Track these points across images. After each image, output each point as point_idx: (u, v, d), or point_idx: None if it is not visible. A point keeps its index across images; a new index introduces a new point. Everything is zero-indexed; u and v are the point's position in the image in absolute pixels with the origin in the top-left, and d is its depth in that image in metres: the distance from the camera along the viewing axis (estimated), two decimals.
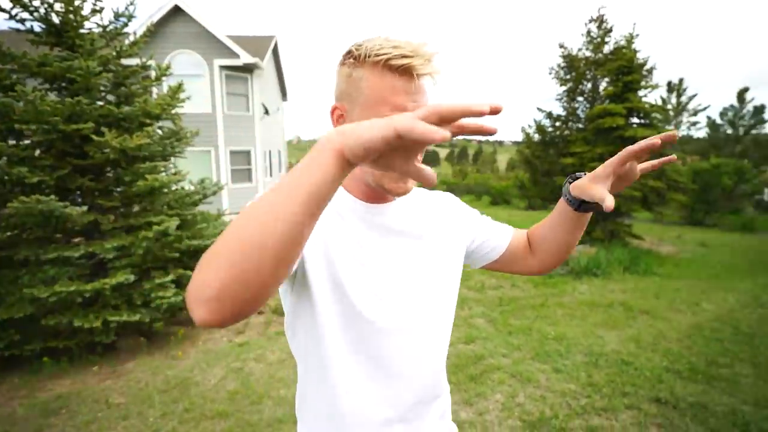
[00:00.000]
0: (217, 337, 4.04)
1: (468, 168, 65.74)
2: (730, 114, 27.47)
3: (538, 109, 11.18)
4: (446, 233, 0.85)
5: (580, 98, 10.78)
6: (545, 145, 11.10)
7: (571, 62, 10.75)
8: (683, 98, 28.00)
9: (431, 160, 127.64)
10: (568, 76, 10.84)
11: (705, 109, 29.20)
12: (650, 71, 9.75)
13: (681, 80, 28.28)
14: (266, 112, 13.64)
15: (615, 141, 9.11)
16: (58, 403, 2.92)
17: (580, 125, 10.51)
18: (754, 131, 26.84)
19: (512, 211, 19.17)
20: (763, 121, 26.61)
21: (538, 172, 10.91)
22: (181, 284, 3.95)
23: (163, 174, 4.10)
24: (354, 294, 0.72)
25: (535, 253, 0.91)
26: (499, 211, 18.64)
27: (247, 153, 13.04)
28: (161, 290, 3.70)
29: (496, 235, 0.91)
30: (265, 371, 3.29)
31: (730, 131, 27.30)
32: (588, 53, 10.61)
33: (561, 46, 10.96)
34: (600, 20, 10.41)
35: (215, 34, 11.81)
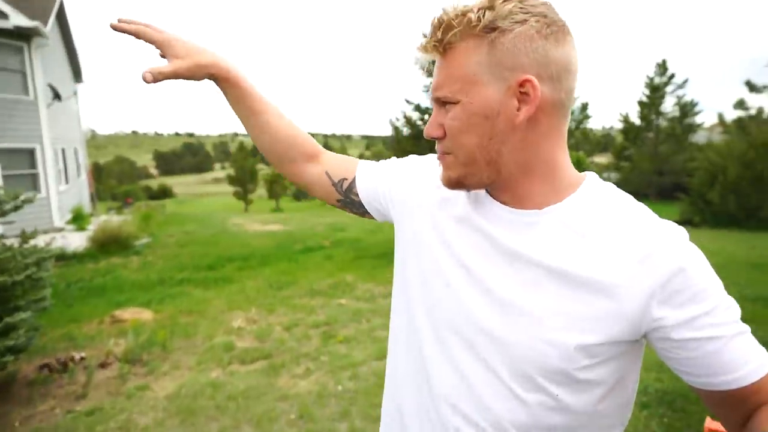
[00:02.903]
0: (46, 409, 3.23)
1: None
2: None
3: (406, 101, 12.00)
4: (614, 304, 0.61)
5: None
6: (415, 138, 12.03)
7: None
8: None
9: None
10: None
11: None
12: None
13: None
14: (56, 96, 11.53)
15: None
16: None
17: None
18: (581, 126, 33.97)
19: None
20: (588, 117, 33.83)
21: None
22: None
23: None
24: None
25: None
26: None
27: (30, 152, 10.72)
28: None
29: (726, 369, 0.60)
30: None
31: None
32: None
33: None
34: None
35: None
